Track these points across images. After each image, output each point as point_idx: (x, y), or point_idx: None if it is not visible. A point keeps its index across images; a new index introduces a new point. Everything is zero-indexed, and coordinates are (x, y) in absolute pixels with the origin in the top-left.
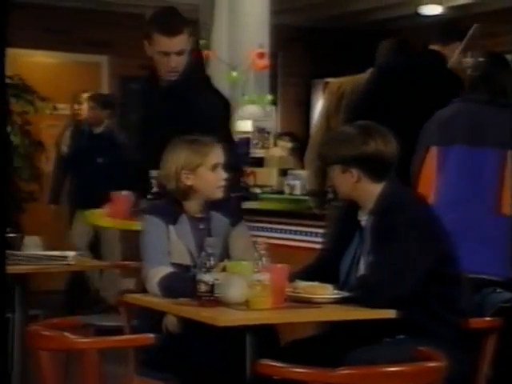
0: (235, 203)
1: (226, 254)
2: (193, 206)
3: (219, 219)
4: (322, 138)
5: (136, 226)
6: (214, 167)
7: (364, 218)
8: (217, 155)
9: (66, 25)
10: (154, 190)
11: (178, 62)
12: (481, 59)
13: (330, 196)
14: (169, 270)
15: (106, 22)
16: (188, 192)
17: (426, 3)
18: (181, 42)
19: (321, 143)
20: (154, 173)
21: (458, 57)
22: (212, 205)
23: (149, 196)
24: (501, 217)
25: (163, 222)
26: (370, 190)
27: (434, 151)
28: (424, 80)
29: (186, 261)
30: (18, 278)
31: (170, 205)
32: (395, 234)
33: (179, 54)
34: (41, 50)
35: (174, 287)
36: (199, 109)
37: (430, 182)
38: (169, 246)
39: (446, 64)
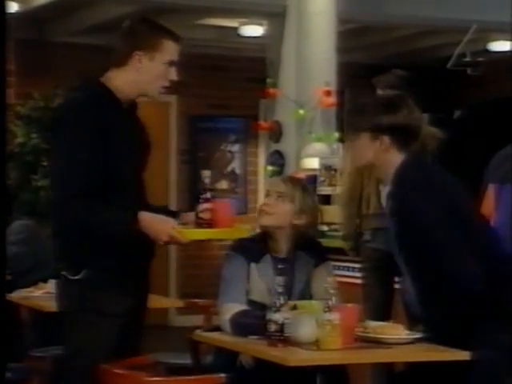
0: (319, 243)
1: (308, 294)
2: (278, 245)
3: (304, 259)
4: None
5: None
6: None
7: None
8: None
9: None
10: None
11: None
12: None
13: (367, 238)
14: (241, 307)
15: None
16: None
17: (496, 40)
18: None
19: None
20: (206, 173)
21: None
22: (299, 245)
23: (201, 196)
24: None
25: (245, 259)
26: (394, 161)
27: (491, 188)
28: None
29: (266, 300)
30: None
31: (256, 243)
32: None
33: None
34: None
35: (244, 325)
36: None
37: (489, 218)
38: (249, 284)
39: None
